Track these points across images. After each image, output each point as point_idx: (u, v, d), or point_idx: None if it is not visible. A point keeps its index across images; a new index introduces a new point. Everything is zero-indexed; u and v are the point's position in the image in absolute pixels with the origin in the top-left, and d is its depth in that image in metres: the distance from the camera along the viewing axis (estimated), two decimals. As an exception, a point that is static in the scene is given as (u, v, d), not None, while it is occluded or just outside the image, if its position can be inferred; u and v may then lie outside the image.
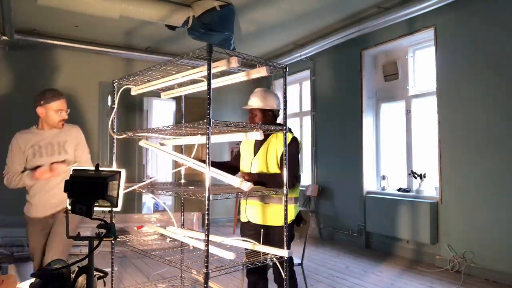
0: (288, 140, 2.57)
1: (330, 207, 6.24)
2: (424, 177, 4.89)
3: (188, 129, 2.29)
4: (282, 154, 2.55)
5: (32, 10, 4.92)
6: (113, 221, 2.49)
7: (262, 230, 2.51)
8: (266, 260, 2.28)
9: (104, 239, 1.66)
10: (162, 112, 7.24)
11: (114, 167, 2.74)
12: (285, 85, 2.39)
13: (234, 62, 2.14)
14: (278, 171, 2.63)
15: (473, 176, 4.28)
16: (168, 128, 2.36)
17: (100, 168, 1.73)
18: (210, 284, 2.08)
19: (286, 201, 2.32)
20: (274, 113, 2.78)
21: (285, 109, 2.40)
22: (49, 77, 6.11)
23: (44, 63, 6.11)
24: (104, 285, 2.12)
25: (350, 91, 5.89)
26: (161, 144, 3.04)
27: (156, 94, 3.19)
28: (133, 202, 6.61)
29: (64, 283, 1.70)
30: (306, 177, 7.04)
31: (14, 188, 2.77)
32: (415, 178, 4.99)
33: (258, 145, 2.76)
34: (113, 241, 2.76)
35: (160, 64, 2.42)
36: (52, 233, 2.72)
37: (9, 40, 5.39)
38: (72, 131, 2.93)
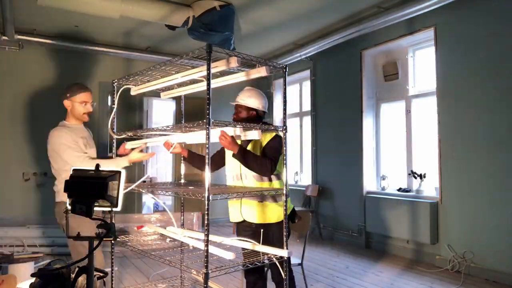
0: (273, 135, 2.66)
1: (330, 207, 6.24)
2: (424, 177, 4.89)
3: (188, 129, 2.29)
4: (265, 147, 2.63)
5: (32, 10, 4.93)
6: (113, 221, 2.50)
7: (261, 229, 2.50)
8: (265, 260, 2.28)
9: (104, 239, 1.66)
10: (162, 112, 7.23)
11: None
12: (285, 85, 2.39)
13: (234, 62, 2.15)
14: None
15: (473, 176, 4.28)
16: (168, 128, 2.36)
17: (100, 168, 1.73)
18: (210, 284, 2.08)
19: (286, 201, 2.32)
20: (258, 113, 2.79)
21: (285, 109, 2.40)
22: (49, 77, 6.12)
23: (44, 63, 6.12)
24: (104, 285, 2.12)
25: (350, 91, 5.89)
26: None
27: (156, 94, 3.19)
28: (133, 202, 6.62)
29: (64, 283, 1.70)
30: (306, 177, 7.05)
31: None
32: (415, 178, 4.99)
33: (244, 144, 2.73)
34: (113, 241, 2.76)
35: (160, 64, 2.42)
36: None
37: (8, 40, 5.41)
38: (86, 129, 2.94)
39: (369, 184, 5.66)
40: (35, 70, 6.05)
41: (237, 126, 2.30)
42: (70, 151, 2.59)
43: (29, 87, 6.01)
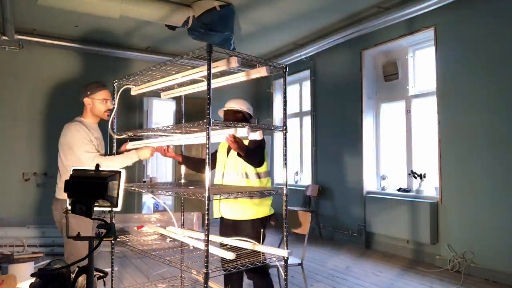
0: None
1: (330, 207, 6.24)
2: (424, 177, 4.89)
3: (188, 129, 2.29)
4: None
5: (32, 10, 4.93)
6: (113, 221, 2.50)
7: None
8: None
9: (104, 239, 1.66)
10: (162, 112, 7.23)
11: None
12: (285, 85, 2.39)
13: (234, 62, 2.15)
14: (250, 167, 2.73)
15: (473, 176, 4.28)
16: (168, 128, 2.36)
17: (100, 168, 1.73)
18: (210, 284, 2.08)
19: (286, 201, 2.32)
20: (245, 116, 2.89)
21: (285, 109, 2.40)
22: (49, 77, 6.11)
23: (44, 63, 6.12)
24: (104, 285, 2.12)
25: (350, 91, 5.89)
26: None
27: (156, 94, 3.20)
28: (133, 202, 6.62)
29: (64, 283, 1.70)
30: (306, 177, 7.05)
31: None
32: (415, 178, 4.99)
33: (229, 147, 2.80)
34: (113, 241, 2.76)
35: (160, 64, 2.42)
36: None
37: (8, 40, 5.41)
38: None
39: (369, 184, 5.66)
40: (35, 70, 6.04)
41: (245, 126, 2.30)
42: (85, 149, 2.59)
43: (29, 87, 6.00)
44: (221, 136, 2.44)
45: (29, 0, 4.52)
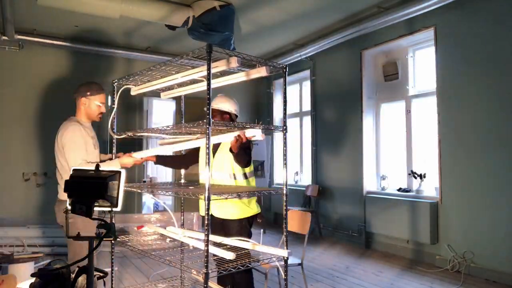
0: None
1: (330, 207, 6.23)
2: (424, 177, 4.89)
3: (187, 129, 2.29)
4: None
5: (32, 10, 4.92)
6: (113, 221, 2.50)
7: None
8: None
9: (104, 239, 1.66)
10: (162, 112, 7.23)
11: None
12: (285, 85, 2.39)
13: (234, 62, 2.15)
14: (237, 168, 2.76)
15: (473, 176, 4.28)
16: (168, 128, 2.36)
17: (100, 168, 1.73)
18: (210, 284, 2.08)
19: (286, 201, 2.32)
20: (231, 116, 2.91)
21: (285, 109, 2.40)
22: (49, 77, 6.11)
23: (44, 63, 6.11)
24: (104, 285, 2.12)
25: (350, 91, 5.89)
26: (161, 144, 3.05)
27: (156, 94, 3.20)
28: (133, 202, 6.61)
29: (64, 283, 1.70)
30: (306, 177, 7.04)
31: None
32: (415, 178, 4.99)
33: (215, 147, 2.85)
34: (113, 241, 2.76)
35: (160, 64, 2.42)
36: None
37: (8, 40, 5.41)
38: None
39: (369, 184, 5.66)
40: (35, 70, 6.04)
41: (257, 127, 2.30)
42: (75, 153, 2.59)
43: (29, 87, 6.00)
44: (229, 137, 2.44)
45: (29, 0, 4.52)
